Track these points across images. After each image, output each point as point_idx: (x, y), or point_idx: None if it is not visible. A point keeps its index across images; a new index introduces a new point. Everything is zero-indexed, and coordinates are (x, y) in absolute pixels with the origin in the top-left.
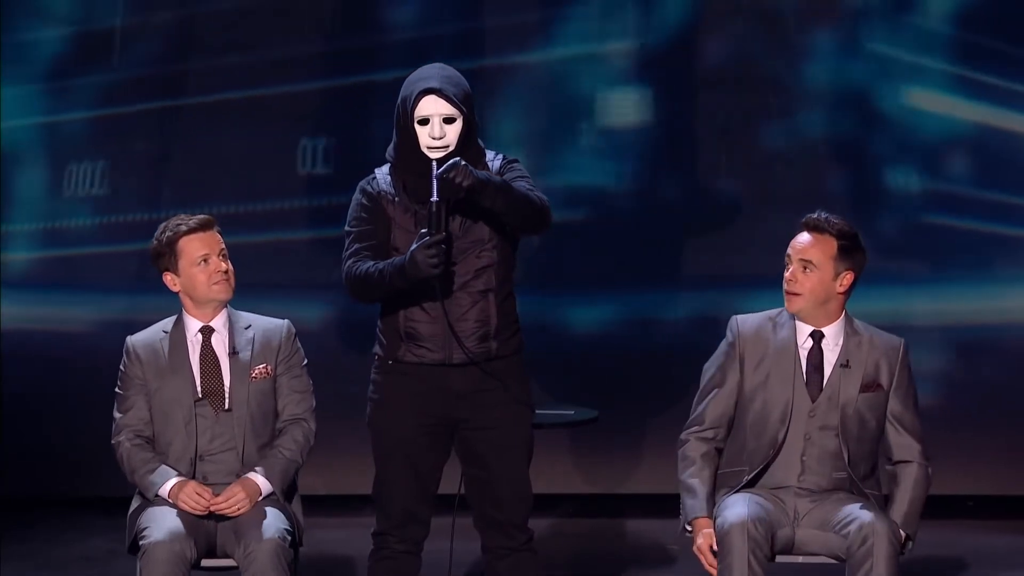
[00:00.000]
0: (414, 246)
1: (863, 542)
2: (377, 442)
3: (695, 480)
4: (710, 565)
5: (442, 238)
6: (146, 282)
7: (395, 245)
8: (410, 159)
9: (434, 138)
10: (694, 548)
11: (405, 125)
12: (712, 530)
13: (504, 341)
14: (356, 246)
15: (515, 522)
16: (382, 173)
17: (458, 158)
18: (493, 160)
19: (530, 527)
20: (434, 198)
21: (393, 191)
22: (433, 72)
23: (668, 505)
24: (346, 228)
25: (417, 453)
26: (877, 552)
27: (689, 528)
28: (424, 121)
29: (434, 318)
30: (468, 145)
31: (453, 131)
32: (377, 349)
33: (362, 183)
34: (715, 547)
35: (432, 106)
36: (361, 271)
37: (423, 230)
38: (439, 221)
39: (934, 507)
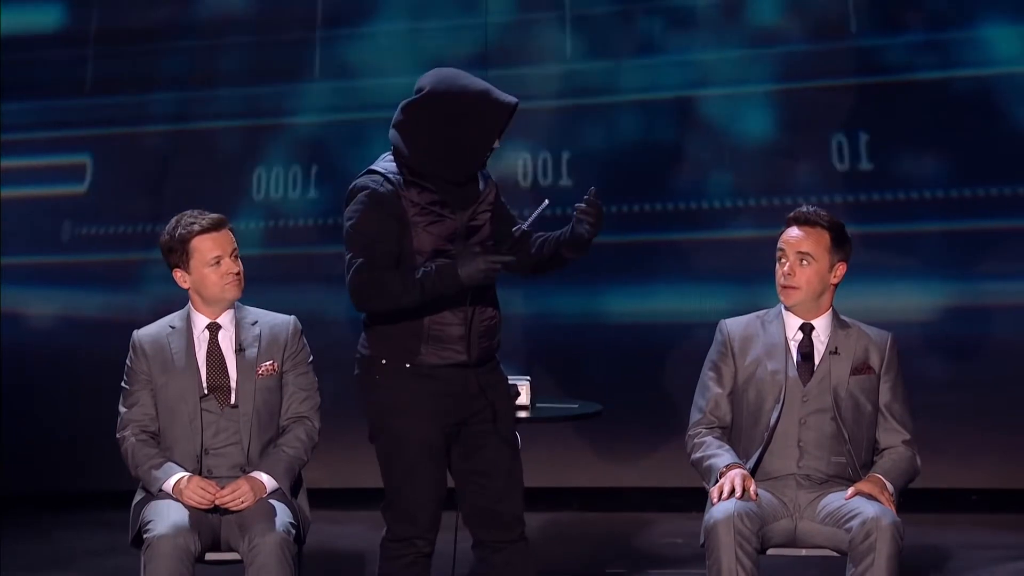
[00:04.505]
0: (477, 257)
1: (866, 537)
2: (401, 450)
3: (716, 450)
4: (722, 488)
5: (512, 261)
6: None
7: (417, 248)
8: (464, 169)
9: (495, 148)
10: (723, 478)
11: (479, 135)
12: (746, 470)
13: (499, 336)
14: (365, 258)
15: (515, 513)
16: (392, 172)
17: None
18: (486, 177)
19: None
20: (525, 227)
21: (407, 191)
22: (487, 82)
23: (671, 499)
24: (352, 232)
25: (440, 456)
26: (879, 547)
27: (719, 480)
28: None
29: (461, 321)
30: None
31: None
32: (384, 353)
33: (371, 185)
34: (747, 482)
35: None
36: (391, 282)
37: (476, 248)
38: (517, 245)
39: (938, 502)
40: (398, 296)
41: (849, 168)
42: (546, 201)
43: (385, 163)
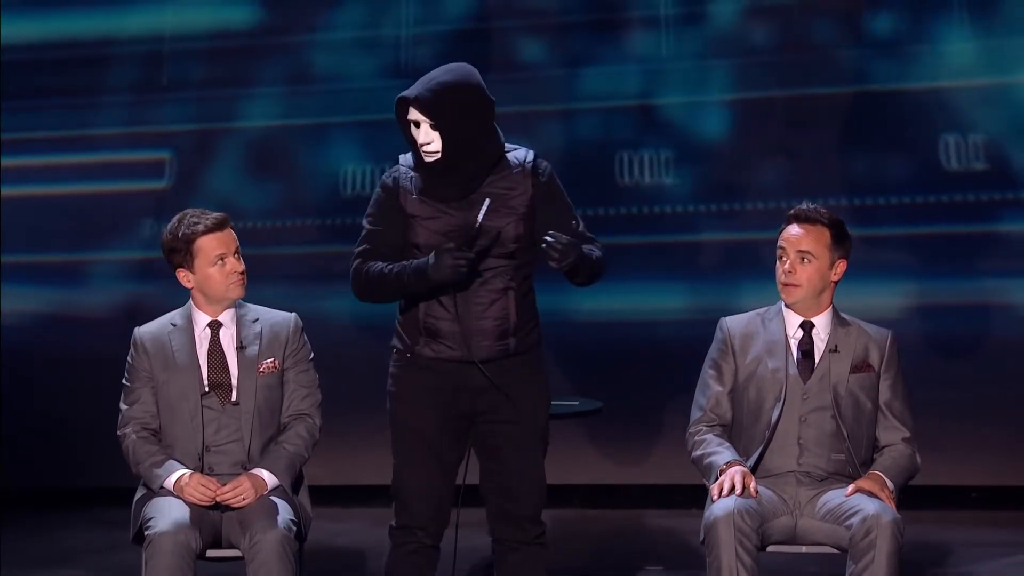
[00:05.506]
0: (444, 254)
1: (866, 534)
2: (400, 437)
3: (717, 447)
4: (722, 485)
5: (473, 258)
6: None
7: (415, 242)
8: (415, 155)
9: (421, 143)
10: (723, 475)
11: (403, 128)
12: (746, 468)
13: (523, 338)
14: (366, 246)
15: (529, 515)
16: (407, 163)
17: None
18: (525, 160)
19: (543, 521)
20: (480, 220)
21: (411, 185)
22: (430, 75)
23: (672, 496)
24: (364, 223)
25: (440, 447)
26: (879, 544)
27: (719, 477)
28: (417, 123)
29: (451, 317)
30: (464, 152)
31: (438, 137)
32: (396, 343)
33: (384, 177)
34: (747, 479)
35: (414, 113)
36: (374, 272)
37: (450, 245)
38: (474, 241)
39: (938, 499)
40: (378, 288)
41: (823, 172)
42: (487, 200)
43: (408, 155)
